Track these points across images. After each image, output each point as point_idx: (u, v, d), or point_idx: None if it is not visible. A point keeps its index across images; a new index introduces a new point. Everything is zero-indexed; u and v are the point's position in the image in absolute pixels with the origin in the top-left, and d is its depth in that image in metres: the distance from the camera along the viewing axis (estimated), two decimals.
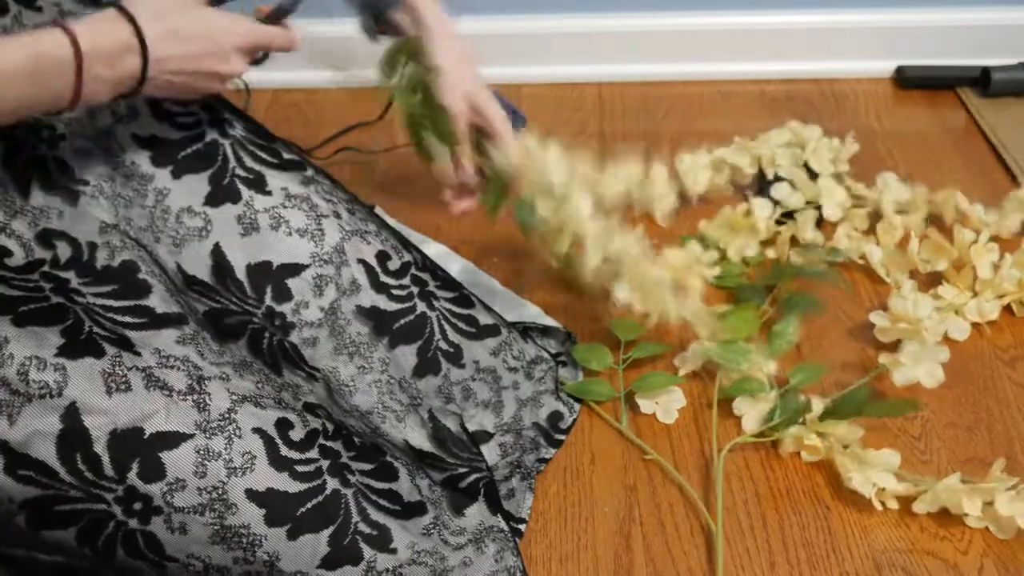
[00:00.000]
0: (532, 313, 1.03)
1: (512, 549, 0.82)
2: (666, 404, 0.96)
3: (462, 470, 0.83)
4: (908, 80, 1.43)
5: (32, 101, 0.63)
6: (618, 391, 0.97)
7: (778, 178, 1.15)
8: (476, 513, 0.83)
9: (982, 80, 1.39)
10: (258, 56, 0.78)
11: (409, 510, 0.77)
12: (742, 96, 1.43)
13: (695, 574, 0.82)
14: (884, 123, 1.37)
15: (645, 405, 0.96)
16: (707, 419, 0.95)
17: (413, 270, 0.85)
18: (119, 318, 0.69)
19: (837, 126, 1.35)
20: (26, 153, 0.73)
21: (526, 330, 0.98)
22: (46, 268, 0.68)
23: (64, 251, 0.70)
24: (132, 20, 0.66)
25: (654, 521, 0.87)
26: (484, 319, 0.90)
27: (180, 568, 0.67)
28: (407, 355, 0.83)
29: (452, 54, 0.89)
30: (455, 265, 1.10)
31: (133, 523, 0.65)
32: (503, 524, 0.83)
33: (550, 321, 1.02)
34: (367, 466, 0.76)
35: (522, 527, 0.86)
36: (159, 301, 0.71)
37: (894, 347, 0.97)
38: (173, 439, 0.65)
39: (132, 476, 0.64)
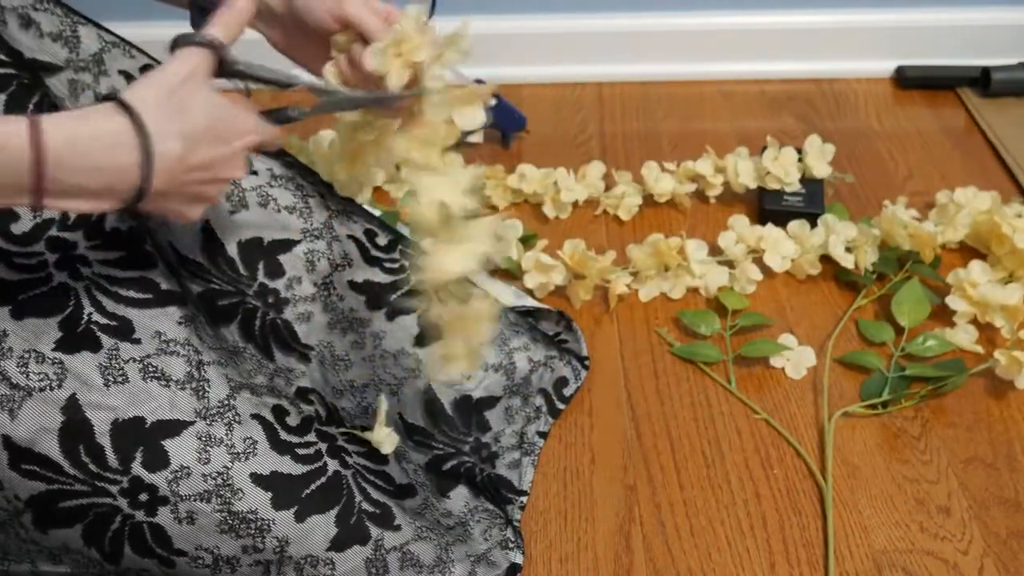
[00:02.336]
0: (519, 296, 1.04)
1: (500, 524, 0.83)
2: (796, 361, 1.00)
3: (448, 451, 0.84)
4: (908, 80, 1.43)
5: None
6: (726, 355, 1.01)
7: (785, 193, 1.16)
8: (460, 496, 0.84)
9: (982, 80, 1.39)
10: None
11: (402, 491, 0.79)
12: (742, 96, 1.43)
13: (695, 574, 0.82)
14: (884, 123, 1.37)
15: (776, 360, 1.01)
16: (818, 385, 0.98)
17: (400, 246, 0.86)
18: (123, 292, 0.67)
19: (837, 126, 1.35)
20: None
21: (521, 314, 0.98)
22: (54, 231, 0.65)
23: None
24: (134, 118, 0.54)
25: (654, 521, 0.87)
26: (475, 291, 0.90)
27: (189, 563, 0.67)
28: (408, 325, 0.83)
29: None
30: None
31: (140, 515, 0.65)
32: (487, 504, 0.84)
33: (541, 304, 1.03)
34: (361, 448, 0.77)
35: (523, 499, 0.88)
36: (162, 277, 0.70)
37: None
38: (174, 427, 0.65)
39: (136, 466, 0.63)
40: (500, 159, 1.28)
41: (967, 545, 0.83)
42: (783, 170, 1.15)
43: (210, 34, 0.60)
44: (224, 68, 0.62)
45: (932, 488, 0.88)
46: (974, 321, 1.01)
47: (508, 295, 1.02)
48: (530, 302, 1.03)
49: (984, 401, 0.96)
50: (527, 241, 1.11)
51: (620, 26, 1.43)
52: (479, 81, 1.27)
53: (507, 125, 1.31)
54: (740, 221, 1.11)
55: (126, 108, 0.54)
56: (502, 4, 1.43)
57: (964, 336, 1.00)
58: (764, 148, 1.19)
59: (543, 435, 0.93)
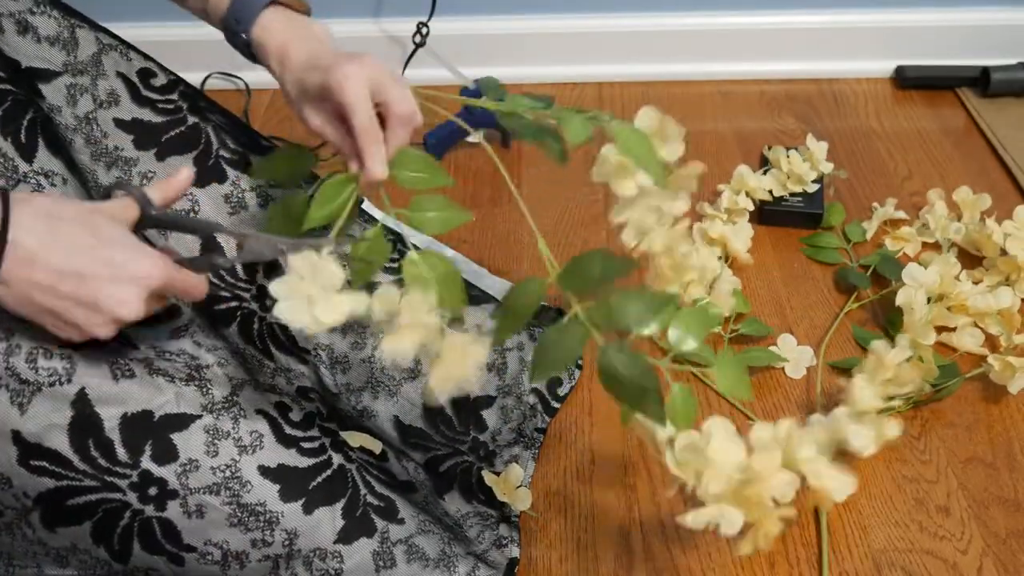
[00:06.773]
0: None
1: (492, 524, 0.84)
2: (796, 361, 1.00)
3: (445, 451, 0.85)
4: (908, 80, 1.43)
5: None
6: None
7: (792, 193, 1.16)
8: (453, 500, 0.85)
9: (982, 80, 1.39)
10: (157, 310, 0.64)
11: (403, 487, 0.79)
12: (742, 96, 1.43)
13: (695, 574, 0.83)
14: (884, 123, 1.37)
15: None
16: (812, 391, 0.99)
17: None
18: None
19: (837, 126, 1.35)
20: (31, 113, 0.69)
21: None
22: None
23: None
24: (5, 203, 0.54)
25: (654, 521, 0.87)
26: (474, 292, 0.92)
27: (198, 559, 0.67)
28: None
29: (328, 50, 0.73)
30: (446, 254, 1.11)
31: (149, 510, 0.65)
32: (479, 508, 0.85)
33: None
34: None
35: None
36: None
37: None
38: (182, 420, 0.65)
39: (145, 459, 0.63)
40: (500, 159, 1.28)
41: (966, 544, 0.84)
42: (802, 169, 1.15)
43: (141, 190, 0.63)
44: (145, 221, 0.64)
45: (931, 488, 0.89)
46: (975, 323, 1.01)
47: (504, 290, 1.02)
48: None
49: (983, 401, 0.96)
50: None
51: (620, 26, 1.44)
52: (479, 81, 1.28)
53: None
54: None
55: (3, 197, 0.55)
56: (502, 4, 1.43)
57: (970, 340, 1.00)
58: (763, 156, 1.19)
59: (542, 431, 0.94)
